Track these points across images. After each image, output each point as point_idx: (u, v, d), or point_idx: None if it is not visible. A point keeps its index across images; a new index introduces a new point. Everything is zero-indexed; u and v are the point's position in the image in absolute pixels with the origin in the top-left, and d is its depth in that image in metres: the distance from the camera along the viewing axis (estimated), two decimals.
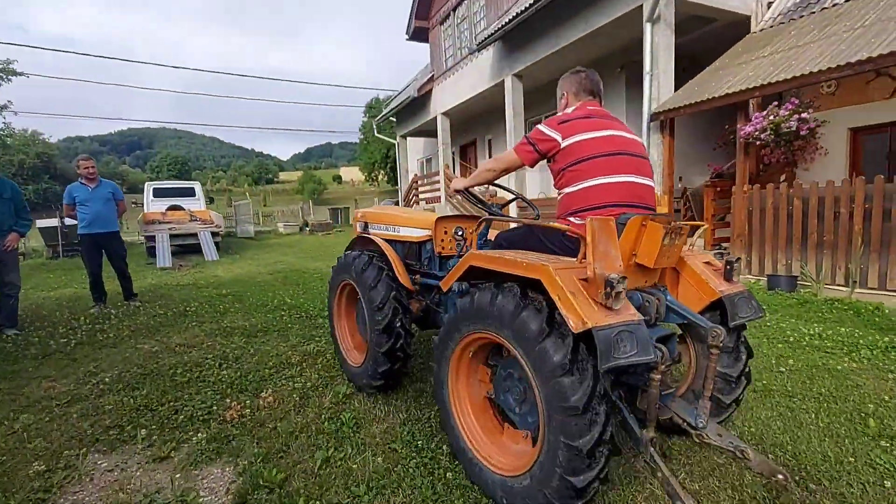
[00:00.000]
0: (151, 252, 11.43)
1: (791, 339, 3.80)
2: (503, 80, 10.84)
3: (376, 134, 20.89)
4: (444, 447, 2.22)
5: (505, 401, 2.01)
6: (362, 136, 46.02)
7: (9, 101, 24.48)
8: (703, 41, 8.73)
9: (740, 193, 6.20)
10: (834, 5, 6.67)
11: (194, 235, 12.39)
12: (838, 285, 5.21)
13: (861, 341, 3.64)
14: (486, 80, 11.59)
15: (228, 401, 2.88)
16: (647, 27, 7.15)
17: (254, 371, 3.38)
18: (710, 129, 9.04)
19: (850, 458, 2.14)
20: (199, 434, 2.49)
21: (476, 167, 16.09)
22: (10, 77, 22.22)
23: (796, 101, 5.94)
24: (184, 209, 13.98)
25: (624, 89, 9.73)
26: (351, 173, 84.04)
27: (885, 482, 1.97)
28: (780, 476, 1.77)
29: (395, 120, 18.30)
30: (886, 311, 4.48)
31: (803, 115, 5.87)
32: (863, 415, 2.53)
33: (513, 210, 9.84)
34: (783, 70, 5.63)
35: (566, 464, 1.54)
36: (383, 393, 2.92)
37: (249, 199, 24.49)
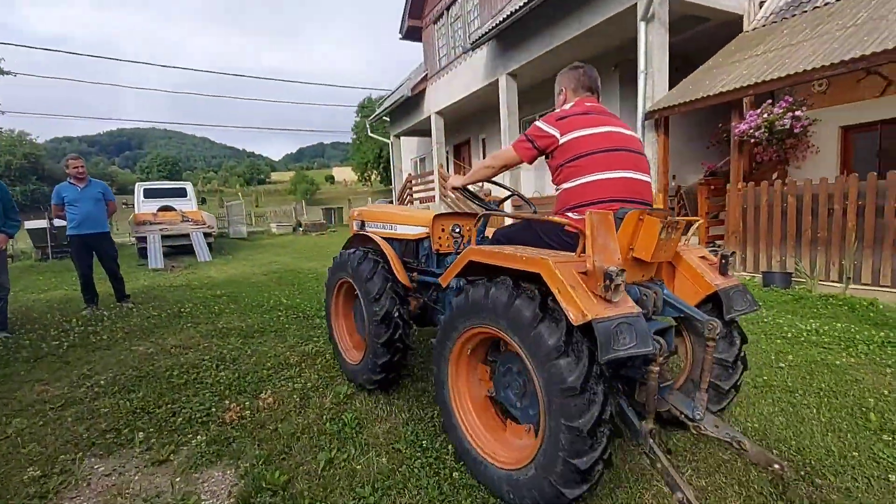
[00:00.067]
0: (143, 253, 11.29)
1: (789, 334, 3.82)
2: (497, 80, 10.84)
3: (370, 134, 20.81)
4: (449, 447, 2.20)
5: (506, 397, 2.02)
6: (355, 136, 45.82)
7: None
8: (695, 40, 8.78)
9: (735, 191, 6.24)
10: (825, 4, 6.74)
11: (186, 236, 12.26)
12: (832, 281, 5.25)
13: (857, 337, 3.67)
14: (480, 79, 11.58)
15: (227, 402, 2.84)
16: (642, 26, 7.17)
17: (252, 372, 3.33)
18: (703, 128, 9.09)
19: (854, 453, 2.15)
20: (199, 436, 2.45)
21: (470, 166, 16.11)
22: None
23: (790, 99, 5.99)
24: (175, 210, 13.84)
25: (618, 88, 9.77)
26: (343, 173, 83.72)
27: (890, 476, 1.98)
28: (777, 466, 1.80)
29: (388, 119, 18.23)
30: (881, 306, 4.52)
31: (797, 112, 5.92)
32: (864, 409, 2.54)
33: (508, 208, 9.84)
34: (777, 68, 5.67)
35: (568, 446, 1.55)
36: (385, 392, 2.89)
37: (242, 200, 24.28)
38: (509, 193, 2.99)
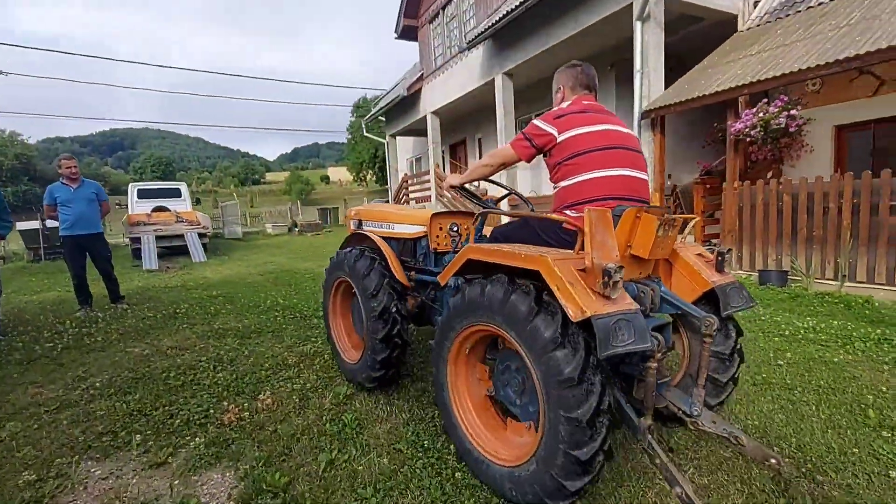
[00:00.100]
0: (137, 254, 11.20)
1: (786, 332, 3.84)
2: (493, 79, 10.83)
3: (365, 134, 20.75)
4: (451, 446, 2.19)
5: (505, 395, 2.02)
6: (350, 137, 45.72)
7: None
8: (688, 41, 8.81)
9: (731, 190, 6.27)
10: (819, 4, 6.78)
11: (181, 237, 12.17)
12: (828, 279, 5.29)
13: (854, 334, 3.70)
14: (475, 78, 11.57)
15: (225, 404, 2.81)
16: (638, 25, 7.19)
17: (250, 373, 3.31)
18: (698, 128, 9.14)
19: (854, 450, 2.16)
20: (197, 438, 2.42)
21: (466, 166, 16.10)
22: None
23: (785, 98, 6.03)
24: (169, 210, 13.74)
25: (614, 87, 9.80)
26: (339, 173, 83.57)
27: (890, 472, 1.98)
28: (773, 460, 1.81)
29: (384, 119, 18.20)
30: (876, 303, 4.55)
31: (792, 111, 5.95)
32: (862, 406, 2.55)
33: (504, 207, 9.84)
34: (771, 68, 5.70)
35: (568, 438, 1.56)
36: (385, 393, 2.88)
37: (237, 200, 24.17)
38: (507, 192, 3.00)
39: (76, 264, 5.40)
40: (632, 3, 7.20)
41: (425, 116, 14.47)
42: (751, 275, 6.02)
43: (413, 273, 2.97)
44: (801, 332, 3.83)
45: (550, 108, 2.26)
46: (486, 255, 1.89)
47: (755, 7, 7.99)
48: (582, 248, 1.67)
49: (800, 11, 7.00)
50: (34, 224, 12.54)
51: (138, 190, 14.41)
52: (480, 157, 13.72)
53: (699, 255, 2.20)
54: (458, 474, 2.02)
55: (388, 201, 18.20)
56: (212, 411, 2.73)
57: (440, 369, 2.17)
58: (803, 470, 2.02)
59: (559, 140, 2.04)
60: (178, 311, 5.40)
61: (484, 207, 2.59)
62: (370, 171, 44.35)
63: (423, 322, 3.07)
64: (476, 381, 2.20)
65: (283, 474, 2.05)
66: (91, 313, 5.35)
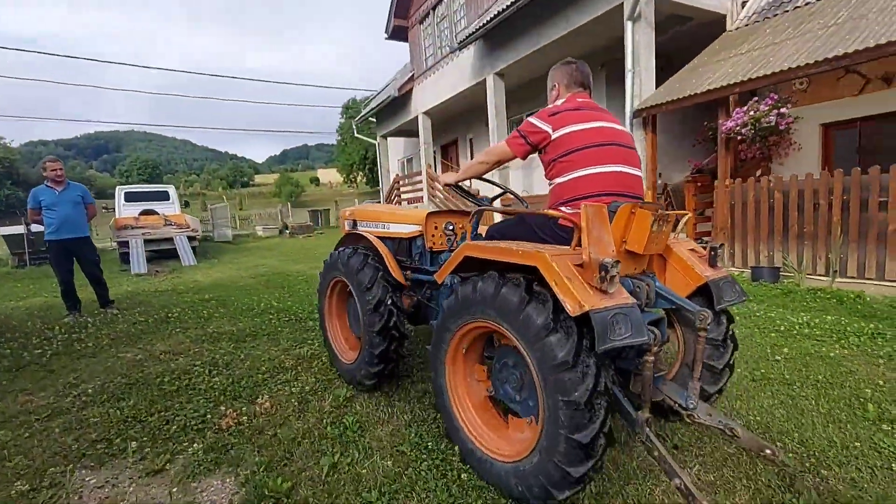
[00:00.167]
0: (125, 258, 11.02)
1: (781, 328, 3.87)
2: (485, 79, 10.84)
3: (356, 135, 20.65)
4: (455, 447, 2.16)
5: (505, 393, 2.02)
6: (340, 138, 45.50)
7: None
8: (677, 41, 8.89)
9: (722, 187, 6.33)
10: (806, 4, 6.88)
11: (169, 240, 12.00)
12: (819, 275, 5.35)
13: (848, 328, 3.74)
14: (467, 79, 11.58)
15: (223, 408, 2.76)
16: (628, 25, 7.24)
17: (246, 377, 3.25)
18: (688, 127, 9.22)
19: (856, 443, 2.17)
20: (195, 444, 2.37)
21: (458, 166, 16.09)
22: None
23: (776, 97, 6.10)
24: (158, 213, 13.56)
25: (604, 87, 9.86)
26: (329, 175, 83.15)
27: (893, 465, 2.00)
28: (769, 451, 1.82)
29: (374, 120, 18.13)
30: (867, 298, 4.62)
31: (782, 109, 6.02)
32: (861, 400, 2.57)
33: (498, 206, 9.84)
34: (762, 66, 5.76)
35: (568, 422, 1.57)
36: (385, 395, 2.86)
37: (226, 202, 23.92)
38: (501, 192, 3.01)
39: (62, 269, 5.29)
40: (622, 3, 7.25)
41: (416, 117, 14.44)
42: (743, 271, 6.08)
43: (409, 272, 2.97)
44: (796, 327, 3.87)
45: (542, 108, 2.27)
46: (484, 252, 1.91)
47: (743, 7, 8.09)
48: (578, 244, 1.69)
49: (787, 11, 7.10)
50: (18, 229, 12.30)
51: (125, 193, 14.20)
52: (472, 158, 13.70)
53: (692, 250, 2.22)
54: (463, 475, 1.99)
55: (379, 202, 18.13)
56: (209, 416, 2.68)
57: (439, 372, 2.18)
58: (807, 464, 2.03)
59: (554, 137, 2.06)
60: (169, 315, 5.31)
61: (478, 205, 2.60)
62: (360, 173, 44.18)
63: (420, 321, 3.07)
64: (475, 383, 2.20)
65: (285, 479, 2.02)
66: (80, 319, 5.24)
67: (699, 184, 7.65)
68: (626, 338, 1.50)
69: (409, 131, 16.32)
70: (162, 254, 12.21)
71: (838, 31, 5.49)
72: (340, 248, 3.09)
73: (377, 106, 16.54)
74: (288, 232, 20.45)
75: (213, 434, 2.48)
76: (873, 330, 3.67)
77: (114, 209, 13.96)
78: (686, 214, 2.19)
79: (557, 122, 2.06)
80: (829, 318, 4.08)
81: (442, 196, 12.75)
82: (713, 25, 8.18)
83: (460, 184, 2.62)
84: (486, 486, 1.93)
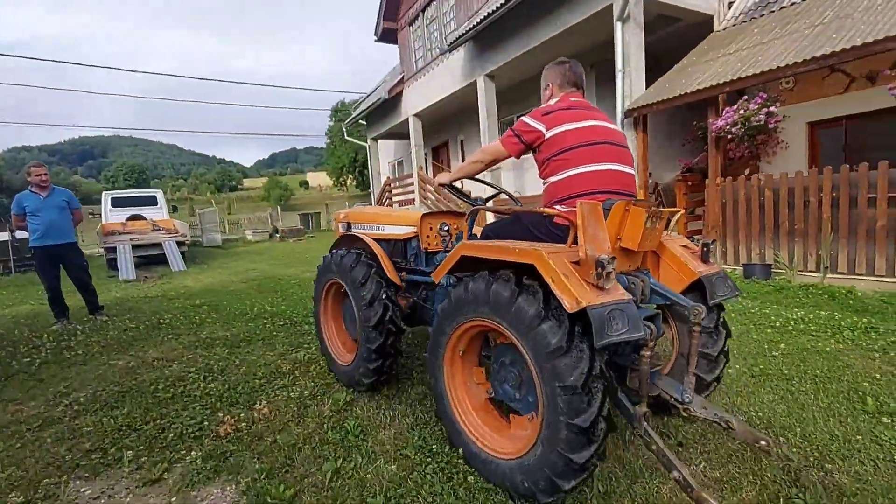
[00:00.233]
0: (112, 265, 10.85)
1: (777, 324, 3.90)
2: (475, 81, 10.85)
3: (346, 137, 20.57)
4: (460, 449, 2.14)
5: (504, 393, 2.03)
6: (329, 141, 45.31)
7: None
8: (664, 41, 8.97)
9: (713, 186, 6.39)
10: (792, 4, 6.98)
11: (158, 246, 11.83)
12: (810, 271, 5.42)
13: (842, 323, 3.78)
14: (457, 80, 11.58)
15: (220, 415, 2.70)
16: (618, 26, 7.29)
17: (243, 382, 3.20)
18: (677, 126, 9.30)
19: (857, 437, 2.19)
20: (193, 452, 2.32)
21: (449, 168, 16.09)
22: None
23: (765, 96, 6.17)
24: (146, 219, 13.37)
25: (595, 87, 9.91)
26: (318, 178, 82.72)
27: (895, 458, 2.01)
28: (763, 442, 1.84)
29: (364, 123, 18.07)
30: (858, 293, 4.68)
31: (771, 108, 6.10)
32: (860, 394, 2.60)
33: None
34: (751, 65, 5.83)
35: (567, 408, 1.59)
36: (386, 398, 2.83)
37: (215, 207, 23.68)
38: (495, 192, 3.02)
39: (49, 276, 5.17)
40: (612, 4, 7.30)
41: (407, 119, 14.41)
42: (735, 269, 6.14)
43: (404, 273, 2.97)
44: (791, 323, 3.90)
45: (532, 108, 2.28)
46: (481, 251, 1.92)
47: (730, 7, 8.19)
48: (574, 242, 1.71)
49: (773, 11, 7.20)
50: (2, 236, 12.07)
51: (112, 198, 13.99)
52: (463, 160, 13.70)
53: (685, 246, 2.25)
54: (470, 478, 1.97)
55: (370, 205, 18.05)
56: (206, 423, 2.63)
57: (438, 378, 2.18)
58: (811, 459, 2.04)
59: (547, 136, 2.08)
60: (161, 321, 5.22)
61: (473, 205, 2.60)
62: (350, 176, 44.03)
63: (416, 322, 3.08)
64: (475, 386, 2.21)
65: (287, 486, 1.97)
66: (69, 326, 5.13)
67: (689, 183, 7.72)
68: (623, 333, 1.52)
69: (400, 133, 16.28)
70: (150, 259, 12.04)
71: (825, 30, 5.58)
72: (334, 251, 3.08)
73: (367, 108, 16.49)
74: (278, 236, 20.28)
75: (212, 441, 2.43)
76: (866, 324, 3.71)
77: (100, 215, 13.74)
78: (678, 211, 2.22)
79: (551, 121, 2.09)
80: (823, 313, 4.12)
81: (433, 198, 12.74)
82: (701, 26, 8.26)
83: (454, 184, 2.64)
84: (494, 488, 1.90)
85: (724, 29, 7.89)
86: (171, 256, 11.40)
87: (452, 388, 2.16)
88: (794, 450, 2.10)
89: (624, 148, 2.16)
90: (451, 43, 10.61)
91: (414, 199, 13.85)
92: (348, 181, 46.12)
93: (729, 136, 6.49)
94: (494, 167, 2.76)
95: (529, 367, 1.72)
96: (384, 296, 2.65)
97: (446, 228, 2.90)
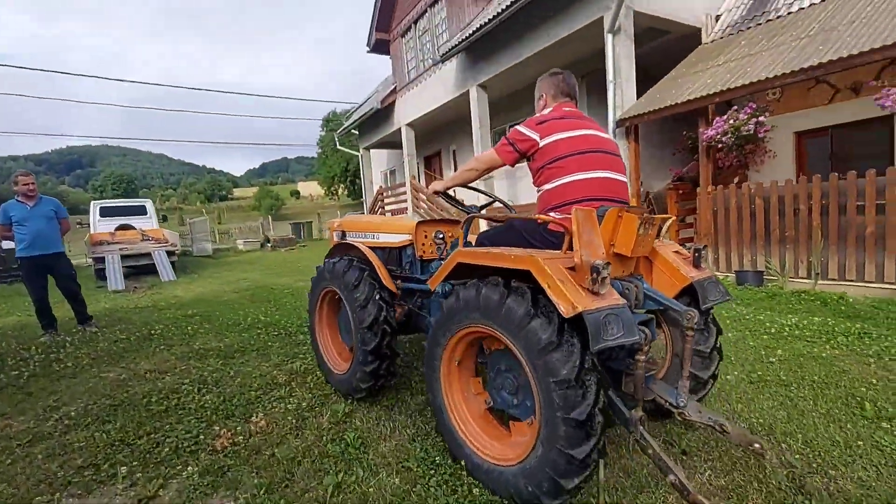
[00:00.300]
0: (101, 275, 10.68)
1: (772, 330, 3.94)
2: (468, 91, 10.92)
3: (338, 147, 20.56)
4: (462, 462, 2.11)
5: (503, 400, 2.04)
6: (321, 150, 45.28)
7: None
8: (652, 55, 9.11)
9: (705, 194, 6.46)
10: (778, 17, 7.14)
11: (147, 255, 11.68)
12: (802, 278, 5.48)
13: (836, 329, 3.82)
14: (450, 90, 11.65)
15: (216, 428, 2.65)
16: (609, 38, 7.39)
17: (238, 394, 3.14)
18: (668, 136, 9.43)
19: (858, 442, 2.20)
20: (189, 467, 2.26)
21: (441, 177, 16.14)
22: None
23: (754, 106, 6.28)
24: (135, 228, 13.22)
25: (586, 98, 10.02)
26: (309, 188, 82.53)
27: None
28: (757, 445, 1.86)
29: (357, 132, 18.09)
30: (850, 299, 4.74)
31: (760, 118, 6.21)
32: (857, 399, 2.62)
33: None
34: (739, 77, 5.94)
35: (563, 402, 1.60)
36: (386, 409, 2.79)
37: (206, 216, 23.47)
38: (489, 201, 3.03)
39: (36, 286, 5.07)
40: (602, 17, 7.41)
41: (399, 129, 14.45)
42: (728, 275, 6.20)
43: (399, 282, 2.97)
44: (786, 329, 3.94)
45: (525, 118, 2.30)
46: (477, 258, 1.95)
47: (717, 20, 8.35)
48: (569, 248, 1.75)
49: (760, 24, 7.36)
50: None
51: (101, 208, 13.83)
52: (456, 169, 13.75)
53: (677, 252, 2.29)
54: (475, 490, 1.94)
55: (363, 214, 18.01)
56: (202, 437, 2.57)
57: (436, 391, 2.18)
58: (814, 465, 2.04)
59: (541, 145, 2.12)
60: (152, 332, 5.13)
61: (467, 212, 2.62)
62: (342, 185, 43.97)
63: (412, 330, 3.08)
64: (473, 397, 2.21)
65: (287, 501, 1.94)
66: (57, 338, 5.02)
67: (680, 191, 7.81)
68: (618, 337, 1.54)
69: (392, 143, 16.32)
70: (140, 269, 11.88)
71: (811, 42, 5.71)
72: (328, 260, 3.09)
73: (360, 118, 16.51)
74: (270, 245, 20.13)
75: (208, 456, 2.38)
76: (860, 330, 3.75)
77: (88, 224, 13.56)
78: (670, 218, 2.25)
79: (545, 130, 2.13)
80: (817, 319, 4.17)
81: (426, 207, 12.74)
82: (689, 39, 8.42)
83: (448, 192, 2.66)
84: (500, 500, 1.87)
85: (712, 41, 8.04)
86: (161, 266, 11.26)
87: (451, 400, 2.16)
88: (797, 456, 2.11)
89: (616, 156, 2.20)
90: (443, 54, 10.69)
91: (406, 208, 13.85)
92: (340, 190, 46.07)
93: (719, 146, 6.59)
94: (487, 176, 2.80)
95: (523, 368, 1.75)
96: (377, 297, 2.67)
97: (441, 236, 2.94)
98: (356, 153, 19.29)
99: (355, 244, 3.06)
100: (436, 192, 2.60)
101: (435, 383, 2.18)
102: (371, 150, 18.47)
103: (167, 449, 2.46)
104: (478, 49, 10.14)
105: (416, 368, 3.42)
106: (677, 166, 9.22)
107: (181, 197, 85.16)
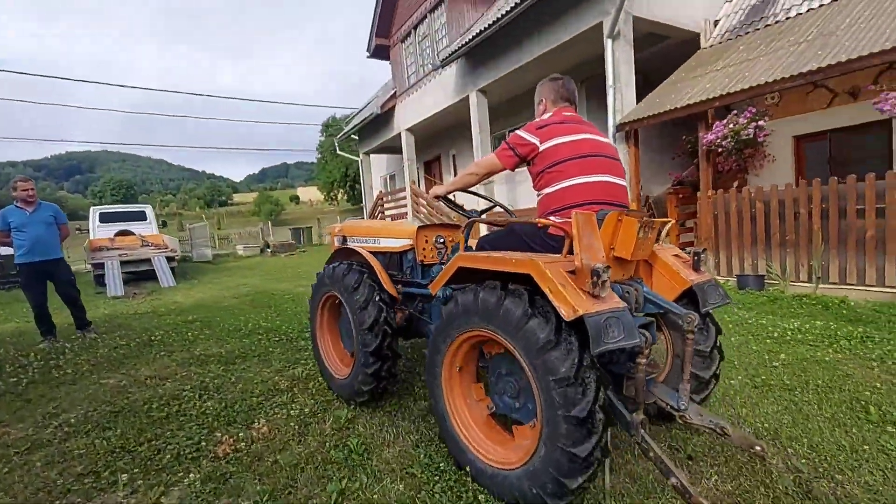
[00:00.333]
0: (100, 281, 10.64)
1: (774, 334, 3.93)
2: (467, 96, 10.95)
3: (338, 152, 20.59)
4: (468, 467, 2.10)
5: (505, 405, 2.04)
6: (320, 156, 45.35)
7: None
8: (652, 60, 9.15)
9: (705, 198, 6.47)
10: (776, 22, 7.18)
11: (147, 261, 11.64)
12: (803, 282, 5.48)
13: (838, 333, 3.81)
14: (450, 96, 11.69)
15: (218, 435, 2.63)
16: (608, 43, 7.42)
17: (240, 400, 3.12)
18: (667, 141, 9.45)
19: (864, 447, 2.19)
20: (191, 474, 2.24)
21: (441, 182, 16.15)
22: None
23: (753, 110, 6.30)
24: (134, 234, 13.20)
25: (585, 102, 10.05)
26: (309, 193, 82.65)
27: None
28: (759, 448, 1.86)
29: (357, 137, 18.13)
30: (851, 303, 4.74)
31: (760, 122, 6.23)
32: (862, 403, 2.61)
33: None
34: (738, 81, 5.96)
35: (563, 401, 1.60)
36: (389, 414, 2.77)
37: (206, 222, 23.46)
38: (490, 205, 3.04)
39: (35, 292, 5.05)
40: (602, 22, 7.45)
41: (399, 134, 14.47)
42: (729, 279, 6.19)
43: (400, 286, 2.98)
44: (789, 333, 3.93)
45: (524, 123, 2.31)
46: (478, 262, 1.95)
47: (716, 26, 8.40)
48: (570, 252, 1.76)
49: (758, 29, 7.40)
50: None
51: (100, 213, 13.82)
52: (455, 174, 13.78)
53: (676, 255, 2.29)
54: (480, 496, 1.92)
55: (363, 218, 18.01)
56: (203, 444, 2.55)
57: (438, 398, 2.18)
58: (821, 470, 2.03)
59: (541, 149, 2.13)
60: (152, 338, 5.11)
61: (468, 217, 2.63)
62: (342, 190, 44.01)
63: (413, 335, 3.09)
64: (475, 403, 2.20)
65: None
66: (57, 344, 4.99)
67: (680, 195, 7.82)
68: (619, 340, 1.55)
69: (392, 148, 16.34)
70: (139, 275, 11.84)
71: (809, 47, 5.74)
72: (333, 264, 3.08)
73: (360, 123, 16.55)
74: (270, 250, 20.11)
75: (210, 462, 2.36)
76: (862, 333, 3.75)
77: (87, 230, 13.54)
78: (669, 221, 2.26)
79: (545, 135, 2.14)
80: (819, 323, 4.16)
81: (426, 212, 12.75)
82: (688, 44, 8.46)
83: (449, 196, 2.67)
84: None
85: (711, 46, 8.09)
86: (161, 272, 11.22)
87: (453, 406, 2.16)
88: (803, 460, 2.10)
89: (616, 160, 2.21)
90: (443, 59, 10.73)
91: (406, 213, 13.86)
92: (339, 195, 46.09)
93: (719, 150, 6.61)
94: (488, 180, 2.82)
95: (524, 370, 1.75)
96: (377, 298, 2.69)
97: (442, 241, 2.95)
98: (356, 158, 19.33)
99: (356, 249, 3.07)
100: (437, 197, 2.61)
101: (437, 390, 2.18)
102: (371, 155, 18.50)
103: (168, 456, 2.44)
104: (477, 54, 10.18)
105: (418, 374, 3.40)
106: (677, 170, 9.23)
107: (181, 202, 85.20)
